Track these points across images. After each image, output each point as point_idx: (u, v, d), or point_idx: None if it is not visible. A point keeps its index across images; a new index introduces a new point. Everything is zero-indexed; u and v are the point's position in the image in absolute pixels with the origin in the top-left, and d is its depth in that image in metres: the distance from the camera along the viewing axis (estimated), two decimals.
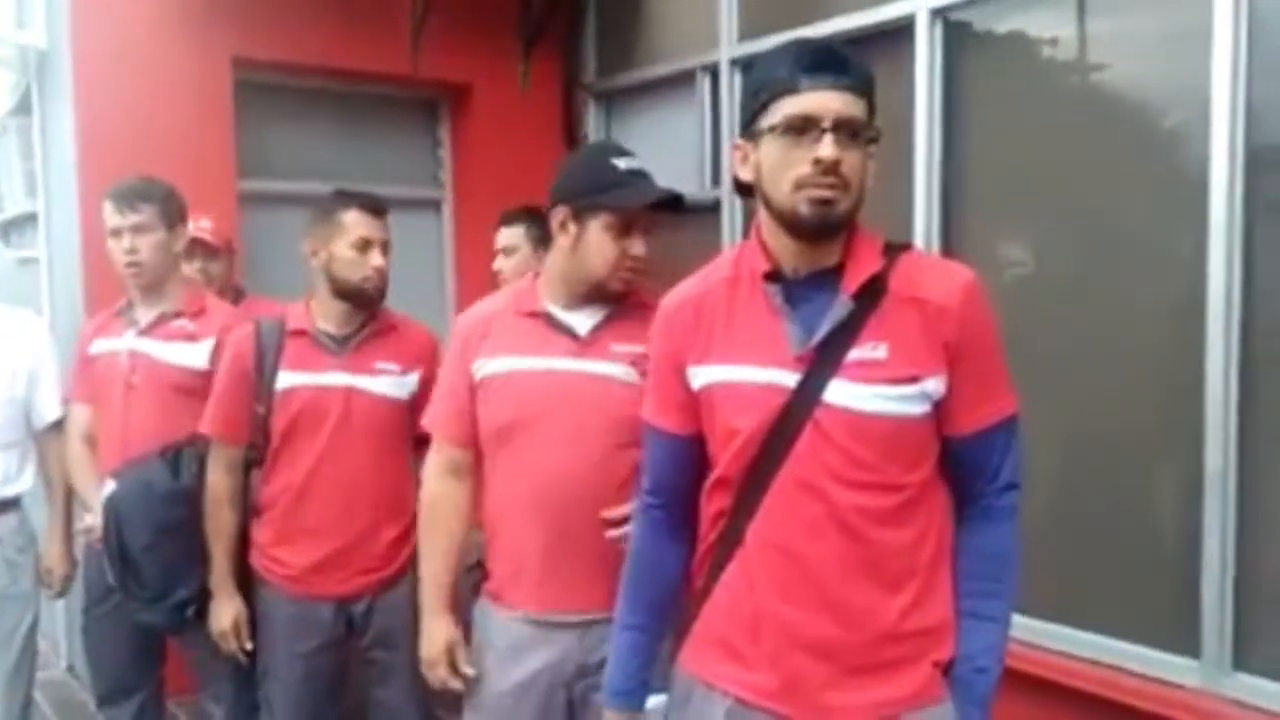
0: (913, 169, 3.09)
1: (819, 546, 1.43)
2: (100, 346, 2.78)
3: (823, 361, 1.42)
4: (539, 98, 4.35)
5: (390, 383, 2.47)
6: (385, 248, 2.45)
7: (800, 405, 1.42)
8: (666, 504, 1.63)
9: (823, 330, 1.42)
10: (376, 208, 2.46)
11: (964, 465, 1.50)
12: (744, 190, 1.50)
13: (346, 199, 2.46)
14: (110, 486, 2.53)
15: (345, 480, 2.43)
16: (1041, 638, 2.78)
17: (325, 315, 2.47)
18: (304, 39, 3.75)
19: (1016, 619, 1.64)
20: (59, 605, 3.66)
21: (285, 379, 2.43)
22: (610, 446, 1.90)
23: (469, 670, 2.03)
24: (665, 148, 4.15)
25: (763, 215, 1.48)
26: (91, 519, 2.64)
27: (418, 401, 2.46)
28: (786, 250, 1.46)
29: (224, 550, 2.50)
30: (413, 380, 2.50)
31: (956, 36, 3.05)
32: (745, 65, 3.72)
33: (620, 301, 1.98)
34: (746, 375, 1.46)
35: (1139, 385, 2.67)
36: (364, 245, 2.41)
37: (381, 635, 2.49)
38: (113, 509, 2.51)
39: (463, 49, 4.09)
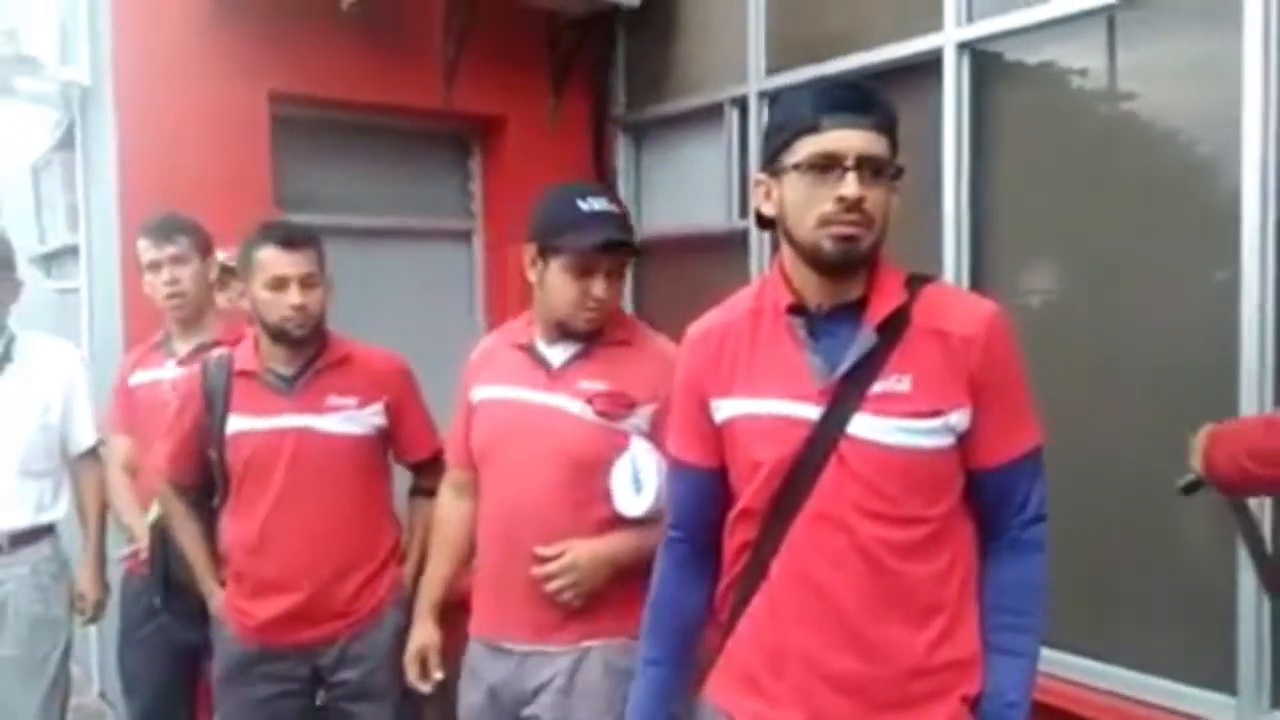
0: (941, 203, 3.08)
1: (843, 579, 1.43)
2: (140, 378, 2.85)
3: (846, 395, 1.43)
4: (569, 130, 4.39)
5: (347, 418, 2.37)
6: (307, 282, 2.29)
7: (824, 438, 1.43)
8: (689, 537, 1.64)
9: (846, 363, 1.43)
10: (293, 241, 2.30)
11: (990, 498, 1.49)
12: (765, 224, 1.52)
13: (262, 235, 2.33)
14: (157, 510, 2.57)
15: (304, 527, 2.33)
16: (1069, 671, 2.73)
17: (270, 354, 2.37)
18: (339, 74, 3.82)
19: (1043, 651, 1.62)
20: (92, 633, 3.70)
21: (234, 423, 2.34)
22: (560, 480, 1.95)
23: (437, 674, 2.20)
24: (693, 180, 4.18)
25: (785, 249, 1.50)
26: (138, 543, 2.68)
27: (392, 430, 2.46)
28: (810, 284, 1.47)
29: (204, 572, 2.47)
30: (375, 411, 2.41)
31: (984, 69, 3.05)
32: (773, 98, 3.75)
33: (595, 338, 2.01)
34: (770, 408, 1.47)
35: (1172, 416, 2.62)
36: (278, 284, 2.27)
37: (353, 688, 2.40)
38: (159, 532, 2.55)
39: (494, 83, 4.14)
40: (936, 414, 1.41)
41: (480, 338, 4.28)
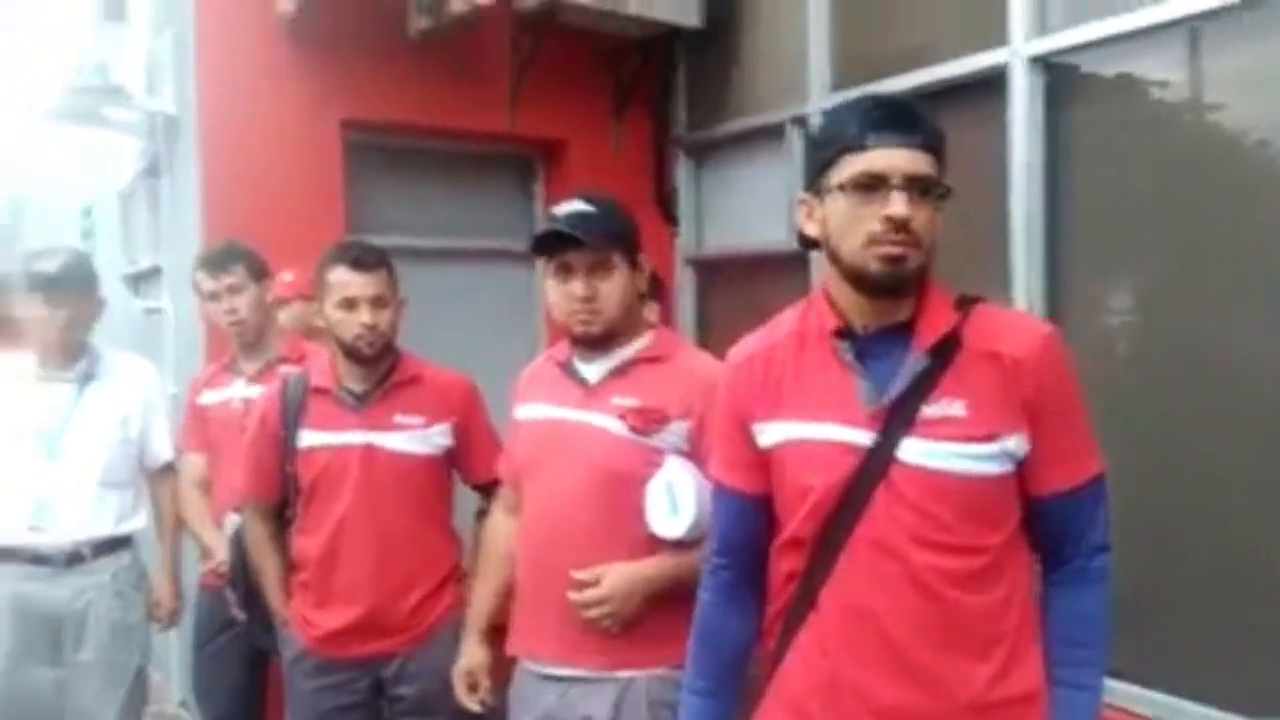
0: (1008, 224, 3.00)
1: (897, 609, 1.39)
2: (210, 397, 2.97)
3: (897, 419, 1.40)
4: (630, 152, 4.44)
5: (412, 438, 2.42)
6: (378, 303, 2.36)
7: (874, 464, 1.40)
8: (734, 564, 1.60)
9: (897, 387, 1.40)
10: (364, 262, 2.37)
11: (1051, 527, 1.45)
12: (808, 244, 1.51)
13: (334, 256, 2.40)
14: (234, 520, 2.66)
15: (371, 541, 2.39)
16: (1138, 705, 2.65)
17: (344, 372, 2.45)
18: (407, 101, 3.92)
19: (1109, 683, 1.58)
20: (173, 641, 3.83)
21: (307, 438, 2.42)
22: (595, 498, 1.93)
23: (486, 698, 2.20)
24: (755, 200, 4.18)
25: (829, 271, 1.48)
26: (217, 557, 2.78)
27: (457, 451, 2.50)
28: (856, 306, 1.46)
29: (275, 591, 2.53)
30: (441, 431, 2.46)
31: (1057, 83, 2.97)
32: None
33: (600, 346, 2.00)
34: (817, 433, 1.45)
35: (1255, 440, 2.54)
36: (349, 304, 2.34)
37: (412, 704, 2.45)
38: (238, 541, 2.64)
39: (557, 107, 4.21)
40: (992, 438, 1.38)
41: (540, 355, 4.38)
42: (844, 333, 1.46)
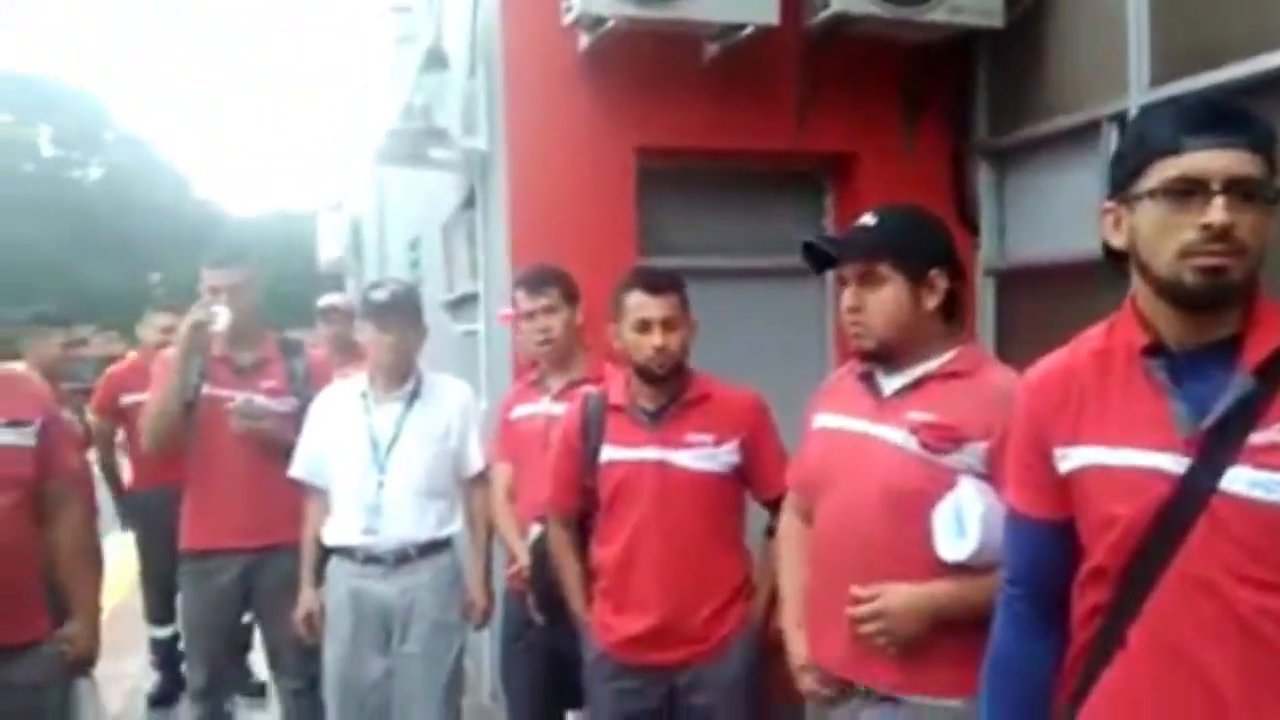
0: None
1: (1221, 654, 1.27)
2: (519, 412, 3.17)
3: (1217, 446, 1.28)
4: (925, 161, 4.28)
5: (702, 455, 2.48)
6: (669, 325, 2.45)
7: (1191, 494, 1.28)
8: (1029, 594, 1.52)
9: (1218, 410, 1.28)
10: (658, 285, 2.48)
11: None
12: (1114, 257, 1.40)
13: (630, 280, 2.52)
14: (536, 530, 2.84)
15: (665, 552, 2.47)
16: None
17: (638, 390, 2.55)
18: (697, 125, 4.02)
19: None
20: (485, 639, 4.13)
21: (606, 453, 2.54)
22: (879, 514, 1.88)
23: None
24: (1064, 205, 3.90)
25: (1138, 284, 1.37)
26: (520, 562, 2.97)
27: (745, 467, 2.51)
28: (1169, 322, 1.33)
29: (576, 595, 2.66)
30: (730, 449, 2.50)
31: None
32: None
33: (888, 361, 1.98)
34: (1124, 459, 1.34)
35: None
36: (642, 326, 2.45)
37: (706, 712, 2.49)
38: (539, 550, 2.81)
39: (846, 119, 4.15)
40: None
41: (829, 374, 4.33)
42: (1156, 350, 1.35)
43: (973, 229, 4.30)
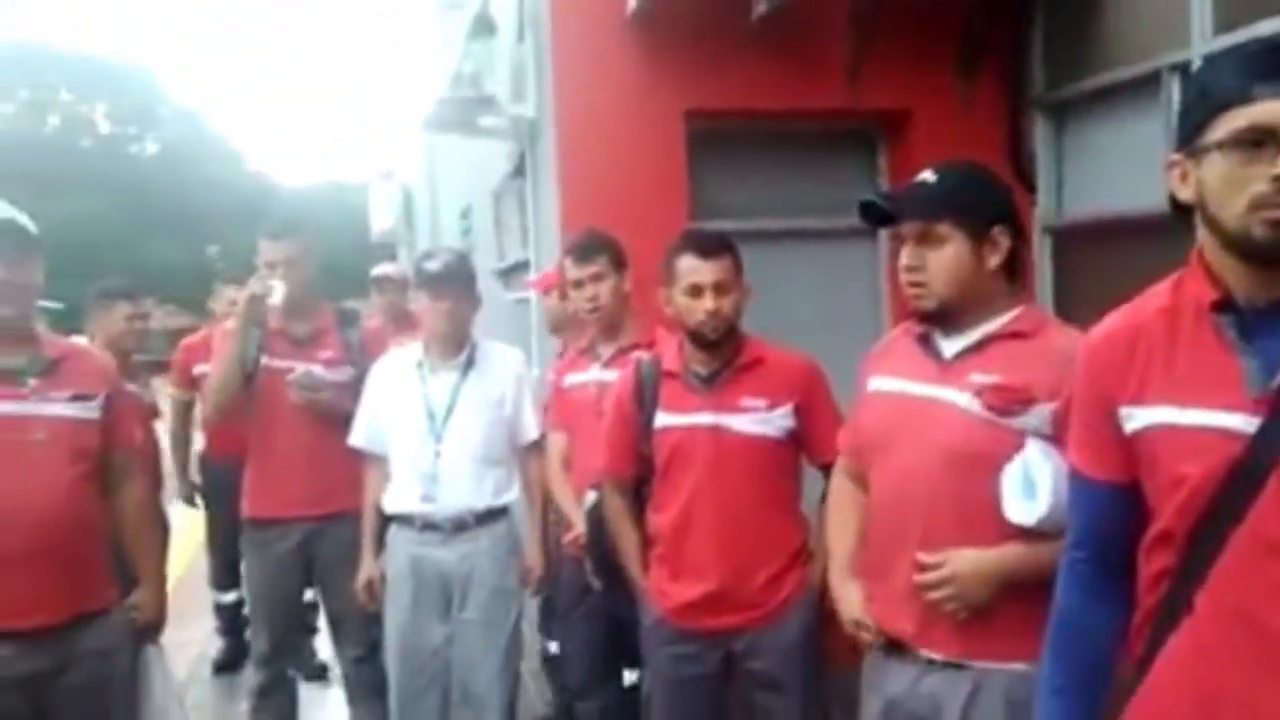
0: None
1: None
2: (571, 380, 3.19)
3: None
4: (980, 116, 4.19)
5: (756, 420, 2.47)
6: (721, 289, 2.43)
7: (1262, 454, 1.25)
8: (1093, 556, 1.50)
9: None
10: (709, 249, 2.46)
11: None
12: (1180, 210, 1.36)
13: (682, 244, 2.50)
14: (592, 497, 2.86)
15: (720, 518, 2.46)
16: None
17: (691, 355, 2.54)
18: (748, 86, 3.97)
19: None
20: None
21: (661, 419, 2.54)
22: (944, 478, 1.85)
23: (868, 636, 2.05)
24: (1125, 159, 3.80)
25: (1206, 239, 1.33)
26: (577, 529, 2.99)
27: (801, 431, 2.50)
28: (1239, 277, 1.29)
29: (634, 562, 2.66)
30: (785, 414, 2.48)
31: None
32: None
33: (948, 321, 1.93)
34: (1192, 418, 1.31)
35: None
36: (694, 290, 2.43)
37: (761, 679, 2.51)
38: (595, 517, 2.83)
39: (899, 75, 4.07)
40: None
41: (883, 335, 4.29)
42: (1225, 306, 1.31)
43: (1029, 186, 4.21)
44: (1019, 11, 4.15)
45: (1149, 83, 3.62)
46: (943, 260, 1.88)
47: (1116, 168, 3.89)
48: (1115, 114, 3.87)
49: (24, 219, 2.37)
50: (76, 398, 2.42)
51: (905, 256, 1.91)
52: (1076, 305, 4.04)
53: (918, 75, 4.12)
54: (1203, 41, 3.36)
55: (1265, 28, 3.08)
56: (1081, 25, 3.95)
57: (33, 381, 2.36)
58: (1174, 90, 3.50)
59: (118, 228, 27.62)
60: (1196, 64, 3.37)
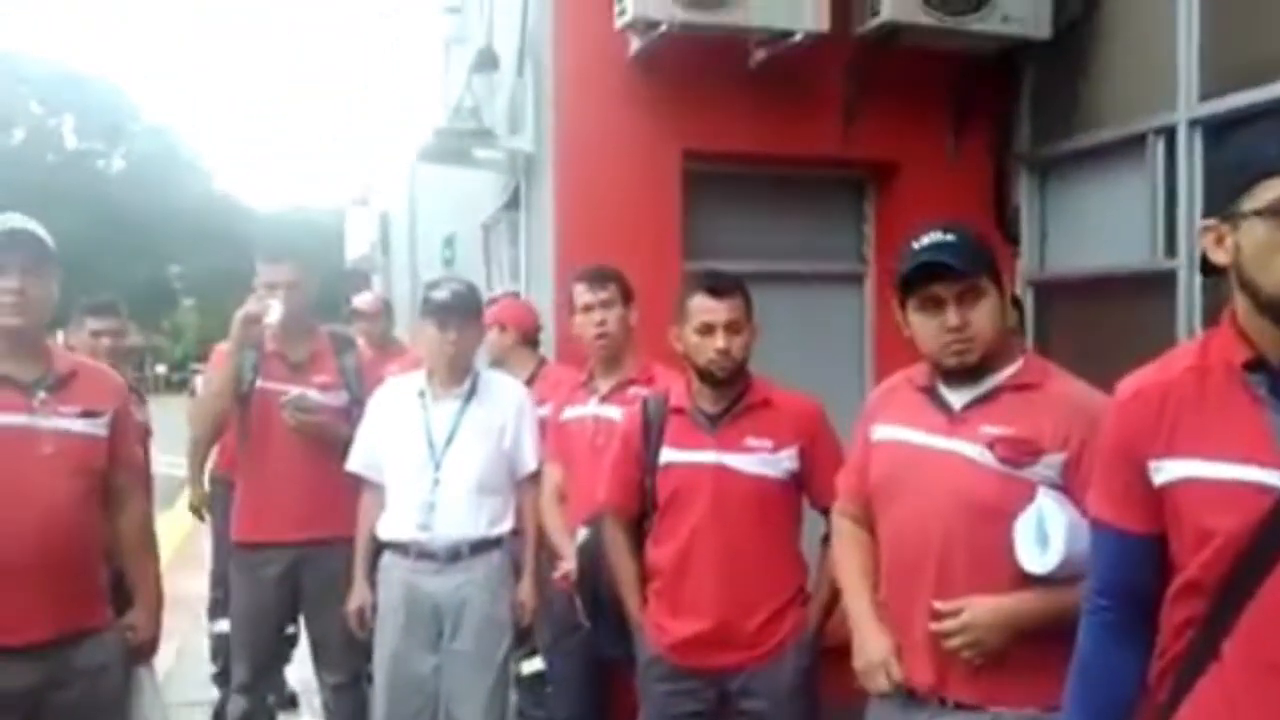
0: None
1: None
2: (568, 414, 3.19)
3: None
4: (967, 170, 4.30)
5: (761, 460, 2.49)
6: (732, 328, 2.46)
7: None
8: (1117, 605, 1.53)
9: None
10: (722, 289, 2.49)
11: None
12: (1211, 271, 1.41)
13: (694, 283, 2.54)
14: (583, 534, 2.86)
15: (720, 556, 2.47)
16: None
17: (699, 393, 2.56)
18: (743, 130, 4.04)
19: None
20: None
21: (665, 455, 2.55)
22: (958, 528, 1.88)
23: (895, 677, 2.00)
24: (1108, 217, 3.92)
25: (1240, 301, 1.38)
26: (567, 564, 2.98)
27: (804, 475, 2.52)
28: (1273, 339, 1.35)
29: (632, 595, 2.66)
30: (788, 455, 2.50)
31: None
32: (1209, 127, 3.43)
33: (973, 374, 1.93)
34: (1223, 472, 1.36)
35: None
36: (705, 329, 2.46)
37: (758, 717, 2.51)
38: (586, 553, 2.83)
39: (890, 127, 4.16)
40: None
41: (868, 380, 4.34)
42: (1257, 366, 1.36)
43: (1013, 239, 4.32)
44: (1009, 70, 4.27)
45: (1134, 145, 3.75)
46: (985, 314, 1.91)
47: (1098, 226, 4.00)
48: (1100, 174, 3.99)
49: (42, 231, 2.36)
50: (86, 414, 2.40)
51: (952, 317, 1.89)
52: (1056, 357, 4.05)
53: (909, 128, 4.21)
54: (1188, 108, 3.49)
55: (1249, 96, 3.21)
56: (1069, 86, 4.08)
57: (42, 395, 2.34)
58: (1159, 153, 3.63)
59: (79, 244, 27.17)
60: (1182, 129, 3.50)
